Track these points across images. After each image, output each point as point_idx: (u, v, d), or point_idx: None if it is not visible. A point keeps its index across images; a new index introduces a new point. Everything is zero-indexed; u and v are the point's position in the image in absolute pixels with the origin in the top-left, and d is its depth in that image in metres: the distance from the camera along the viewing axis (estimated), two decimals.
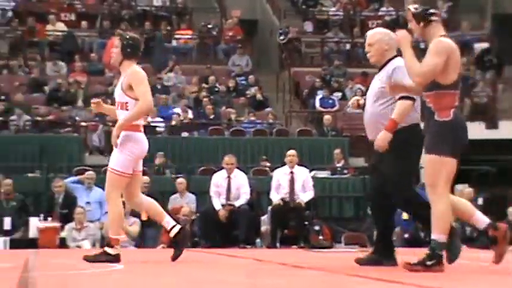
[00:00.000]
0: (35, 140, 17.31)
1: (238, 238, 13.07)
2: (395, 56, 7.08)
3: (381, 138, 6.79)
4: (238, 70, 21.98)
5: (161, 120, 18.73)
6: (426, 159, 6.33)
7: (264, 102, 20.62)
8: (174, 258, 7.79)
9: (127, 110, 7.57)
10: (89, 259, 7.56)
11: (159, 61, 21.99)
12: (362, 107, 7.29)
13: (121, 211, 7.68)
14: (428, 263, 6.23)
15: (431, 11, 6.44)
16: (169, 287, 5.52)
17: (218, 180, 13.43)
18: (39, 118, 18.52)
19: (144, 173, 15.38)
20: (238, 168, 13.70)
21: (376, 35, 7.23)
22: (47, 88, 20.04)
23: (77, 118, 18.84)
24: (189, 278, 6.37)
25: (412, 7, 6.49)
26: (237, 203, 13.19)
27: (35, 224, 13.65)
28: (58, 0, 24.64)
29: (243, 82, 21.41)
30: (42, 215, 13.85)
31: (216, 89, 20.71)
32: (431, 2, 7.11)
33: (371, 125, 7.11)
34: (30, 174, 16.24)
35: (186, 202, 14.22)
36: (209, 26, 23.87)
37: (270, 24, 25.46)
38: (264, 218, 13.90)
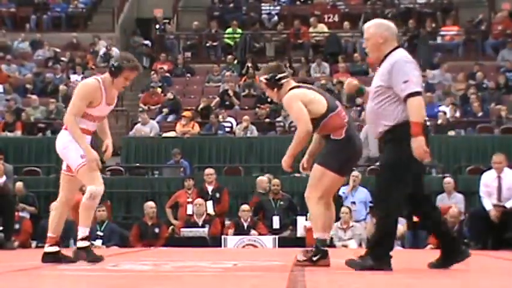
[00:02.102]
0: None
1: (511, 240, 12.64)
2: (396, 48, 6.61)
3: (416, 146, 6.39)
4: (508, 65, 21.28)
5: (427, 119, 18.48)
6: (314, 168, 7.08)
7: None
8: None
9: None
10: None
11: (424, 59, 21.77)
12: None
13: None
14: (314, 258, 7.01)
15: (279, 76, 7.10)
16: (439, 287, 5.44)
17: (488, 180, 13.05)
18: None
19: None
20: (509, 167, 13.25)
21: (370, 28, 6.68)
22: None
23: None
24: (459, 282, 6.25)
25: (262, 78, 7.16)
26: (508, 204, 12.74)
27: (302, 223, 13.96)
28: (321, 1, 25.09)
29: None
30: (308, 215, 14.14)
31: (484, 86, 20.19)
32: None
33: (370, 122, 6.83)
34: (296, 175, 16.63)
35: (453, 202, 13.98)
36: (476, 21, 23.36)
37: None
38: None
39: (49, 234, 7.62)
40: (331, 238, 13.71)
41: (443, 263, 6.85)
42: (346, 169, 7.26)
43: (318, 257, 7.01)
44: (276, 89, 7.10)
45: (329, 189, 7.13)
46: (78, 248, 7.46)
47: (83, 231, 7.42)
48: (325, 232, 7.15)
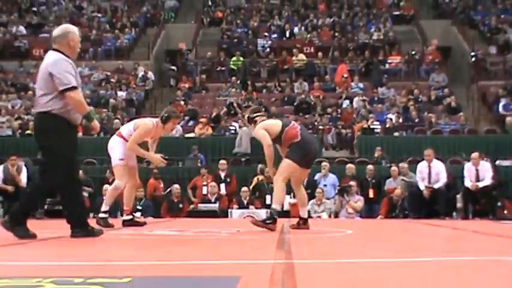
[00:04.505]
0: None
1: (438, 212, 12.67)
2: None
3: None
4: (436, 85, 21.33)
5: (378, 123, 18.55)
6: (282, 161, 7.22)
7: (457, 108, 19.85)
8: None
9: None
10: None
11: (376, 80, 21.79)
12: None
13: None
14: (268, 222, 6.99)
15: (254, 115, 7.39)
16: (387, 246, 5.45)
17: (421, 168, 13.08)
18: None
19: (367, 163, 15.47)
20: (437, 158, 13.26)
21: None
22: (294, 102, 20.43)
23: (316, 123, 19.06)
24: (401, 243, 6.26)
25: (245, 116, 7.42)
26: (436, 186, 12.77)
27: (288, 200, 13.92)
28: (301, 37, 25.09)
29: (441, 93, 20.74)
30: (292, 194, 14.09)
31: (420, 99, 20.22)
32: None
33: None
34: None
35: (398, 185, 13.98)
36: (413, 53, 23.38)
37: (461, 49, 24.50)
38: (459, 196, 13.38)
39: (125, 208, 8.13)
40: (308, 211, 13.71)
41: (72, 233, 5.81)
42: (305, 161, 7.23)
43: (270, 221, 7.04)
44: (253, 125, 7.43)
45: (291, 173, 7.22)
46: (101, 218, 7.86)
47: (105, 207, 7.92)
48: (280, 205, 7.18)
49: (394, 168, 14.47)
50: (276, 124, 7.29)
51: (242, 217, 13.39)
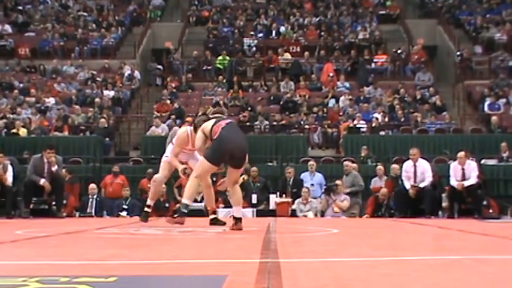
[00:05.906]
0: (272, 139, 17.68)
1: (424, 211, 12.72)
2: None
3: None
4: (422, 84, 21.42)
5: (364, 122, 18.59)
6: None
7: (443, 107, 19.95)
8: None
9: None
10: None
11: (362, 79, 21.84)
12: None
13: None
14: (175, 216, 7.16)
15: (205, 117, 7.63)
16: (373, 245, 5.46)
17: (407, 167, 13.11)
18: (275, 123, 18.94)
19: (353, 162, 15.51)
20: (423, 157, 13.30)
21: None
22: (280, 101, 20.43)
23: (302, 122, 19.09)
24: (386, 241, 6.28)
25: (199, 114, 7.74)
26: (422, 185, 12.80)
27: (273, 199, 13.95)
28: (288, 37, 25.09)
29: (426, 93, 20.83)
30: (278, 193, 14.14)
31: (406, 99, 20.29)
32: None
33: None
34: (269, 164, 16.64)
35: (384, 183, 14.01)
36: (399, 52, 23.46)
37: (447, 48, 24.62)
38: (445, 196, 13.42)
39: (208, 208, 8.70)
40: (294, 210, 13.74)
41: None
42: (216, 159, 7.23)
43: (177, 215, 7.16)
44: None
45: (205, 170, 7.36)
46: (145, 211, 8.50)
47: (149, 202, 8.56)
48: (190, 200, 7.22)
49: (380, 167, 14.51)
50: (210, 122, 7.44)
51: (229, 216, 13.36)
